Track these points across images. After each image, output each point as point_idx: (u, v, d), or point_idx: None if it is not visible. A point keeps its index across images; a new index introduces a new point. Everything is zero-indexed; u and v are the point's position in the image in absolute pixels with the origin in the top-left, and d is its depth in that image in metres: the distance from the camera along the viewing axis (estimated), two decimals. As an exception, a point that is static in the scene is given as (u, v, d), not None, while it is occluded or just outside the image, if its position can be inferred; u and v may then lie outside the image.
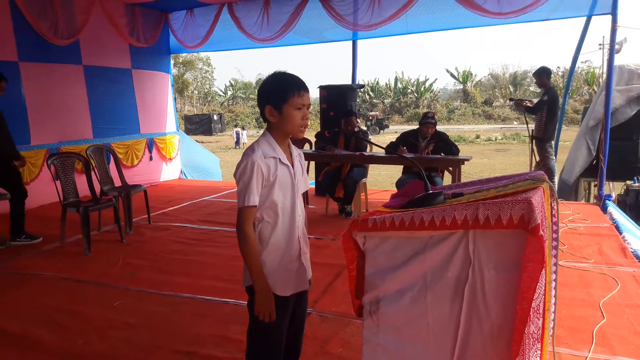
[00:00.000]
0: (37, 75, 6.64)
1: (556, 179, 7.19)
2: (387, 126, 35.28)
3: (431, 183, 1.77)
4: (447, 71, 49.40)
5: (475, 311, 1.45)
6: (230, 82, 52.70)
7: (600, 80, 32.55)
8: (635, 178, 6.78)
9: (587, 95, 38.90)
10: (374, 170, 12.89)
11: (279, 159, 1.80)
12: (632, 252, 4.32)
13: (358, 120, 6.32)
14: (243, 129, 29.08)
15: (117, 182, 5.66)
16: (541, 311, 1.50)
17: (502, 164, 15.82)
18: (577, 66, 10.18)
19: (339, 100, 7.32)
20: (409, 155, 5.37)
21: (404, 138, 5.82)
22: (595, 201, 6.59)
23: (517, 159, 16.41)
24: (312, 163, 6.89)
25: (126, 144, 8.15)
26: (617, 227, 5.09)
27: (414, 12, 6.58)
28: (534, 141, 7.08)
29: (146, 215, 5.77)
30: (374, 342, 1.63)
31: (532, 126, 7.20)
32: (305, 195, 5.95)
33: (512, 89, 46.42)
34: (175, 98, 10.29)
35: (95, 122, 7.60)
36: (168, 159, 9.13)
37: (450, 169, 5.36)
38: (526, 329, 1.35)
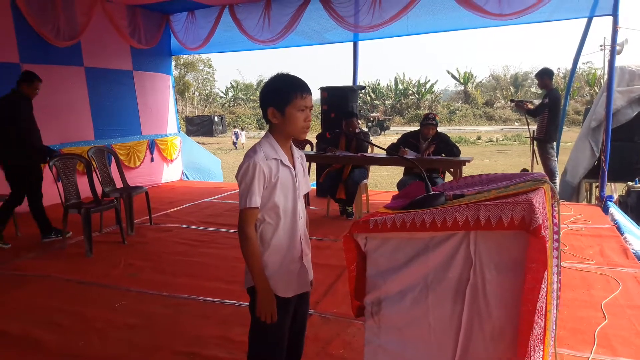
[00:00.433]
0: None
1: (557, 180, 7.19)
2: (388, 127, 35.24)
3: (432, 184, 1.77)
4: (448, 72, 49.49)
5: (477, 312, 1.45)
6: (231, 83, 52.72)
7: (602, 81, 32.50)
8: (637, 179, 6.77)
9: (589, 97, 38.83)
10: (375, 171, 12.89)
11: (281, 160, 1.81)
12: (633, 253, 4.32)
13: (359, 121, 6.33)
14: (242, 129, 29.42)
15: (119, 184, 5.67)
16: (544, 312, 1.50)
17: (503, 165, 15.81)
18: (578, 67, 10.19)
19: (340, 102, 7.33)
20: (410, 156, 5.37)
21: (405, 139, 5.82)
22: (596, 202, 6.58)
23: (519, 160, 16.39)
24: (314, 164, 6.89)
25: (127, 146, 8.16)
26: (619, 228, 5.09)
27: (414, 13, 6.58)
28: (535, 142, 7.08)
29: (147, 217, 5.77)
30: (375, 343, 1.63)
31: (533, 127, 7.20)
32: (307, 196, 5.96)
33: (513, 90, 46.35)
34: (176, 99, 10.31)
35: (97, 123, 7.61)
36: (169, 160, 9.15)
37: (452, 170, 5.36)
38: (531, 330, 1.35)
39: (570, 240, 4.75)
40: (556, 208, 1.87)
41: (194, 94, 47.47)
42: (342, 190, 5.81)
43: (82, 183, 5.10)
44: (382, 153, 5.83)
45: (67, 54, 6.98)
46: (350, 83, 8.18)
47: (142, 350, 2.81)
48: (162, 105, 9.11)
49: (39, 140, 5.07)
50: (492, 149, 22.47)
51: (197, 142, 11.94)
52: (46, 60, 6.68)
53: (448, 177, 5.67)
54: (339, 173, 5.96)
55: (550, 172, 6.86)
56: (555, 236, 1.85)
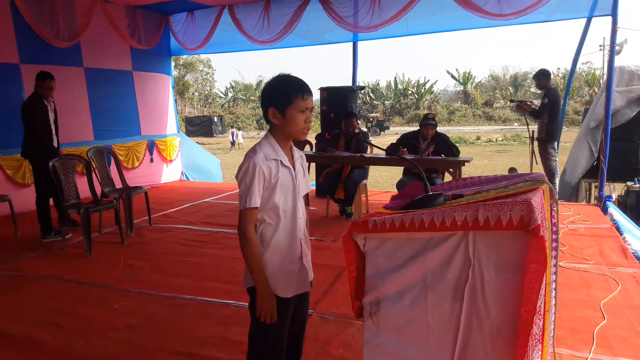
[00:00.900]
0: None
1: (557, 180, 7.19)
2: (387, 128, 35.25)
3: (431, 184, 1.77)
4: (448, 72, 49.43)
5: (475, 312, 1.45)
6: (230, 83, 52.72)
7: (601, 81, 32.55)
8: (636, 179, 6.78)
9: (588, 97, 38.86)
10: (374, 171, 12.89)
11: (281, 161, 1.81)
12: (632, 253, 4.32)
13: (358, 121, 6.33)
14: (239, 129, 29.80)
15: (118, 184, 5.67)
16: (542, 312, 1.51)
17: (502, 165, 15.81)
18: (577, 67, 10.19)
19: (339, 102, 7.33)
20: (409, 156, 5.38)
21: (405, 139, 5.83)
22: (595, 202, 6.59)
23: (518, 160, 16.40)
24: (313, 164, 6.89)
25: (127, 146, 8.17)
26: (618, 228, 5.09)
27: (414, 13, 6.58)
28: (535, 142, 7.08)
29: (147, 217, 5.77)
30: (374, 343, 1.63)
31: (532, 127, 7.20)
32: (306, 196, 5.96)
33: (512, 90, 46.38)
34: (175, 100, 10.31)
35: (96, 124, 7.62)
36: (169, 160, 9.15)
37: (451, 170, 5.36)
38: (530, 330, 1.36)
39: (569, 240, 4.76)
40: (555, 208, 1.87)
41: (193, 94, 47.46)
42: (341, 190, 5.81)
43: (82, 183, 5.11)
44: (381, 153, 5.83)
45: (66, 54, 6.98)
46: (349, 83, 8.18)
47: (142, 351, 2.81)
48: (162, 106, 9.11)
49: (46, 141, 5.17)
50: (492, 149, 22.48)
51: (197, 143, 11.94)
52: (46, 61, 6.67)
53: (447, 178, 5.67)
54: (339, 173, 5.97)
55: (550, 172, 6.86)
56: (554, 236, 1.85)
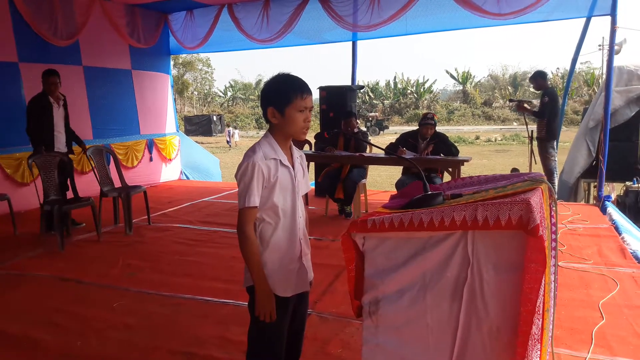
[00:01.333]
0: (37, 76, 6.59)
1: (556, 180, 7.20)
2: (386, 127, 35.22)
3: (431, 184, 1.77)
4: (447, 72, 49.38)
5: (474, 311, 1.45)
6: (230, 82, 52.64)
7: (600, 81, 32.56)
8: (635, 179, 6.79)
9: (587, 96, 38.87)
10: (373, 171, 12.89)
11: (280, 160, 1.81)
12: (631, 253, 4.33)
13: (358, 121, 6.33)
14: (235, 128, 30.40)
15: (118, 184, 5.66)
16: (541, 312, 1.51)
17: (501, 165, 15.82)
18: (576, 67, 10.18)
19: (338, 101, 7.33)
20: (409, 156, 5.38)
21: (404, 139, 5.83)
22: (594, 202, 6.59)
23: (517, 160, 16.40)
24: (312, 164, 6.89)
25: (126, 145, 8.16)
26: (617, 228, 5.10)
27: (413, 13, 6.59)
28: (535, 142, 7.09)
29: (146, 217, 5.76)
30: (373, 343, 1.63)
31: (531, 127, 7.21)
32: (305, 196, 5.95)
33: (511, 90, 46.41)
34: (175, 99, 10.30)
35: (95, 122, 7.60)
36: (168, 159, 9.14)
37: (450, 169, 5.36)
38: (530, 330, 1.36)
39: (568, 240, 4.76)
40: (554, 208, 1.87)
41: (192, 93, 47.41)
42: (340, 189, 5.81)
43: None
44: (380, 153, 5.83)
45: (65, 53, 6.96)
46: (349, 82, 8.18)
47: (141, 350, 2.81)
48: (161, 105, 9.09)
49: (45, 139, 5.18)
50: (491, 149, 22.50)
51: (196, 142, 11.93)
52: (45, 60, 6.64)
53: (446, 177, 5.67)
54: (338, 173, 5.97)
55: (549, 172, 6.87)
56: (553, 236, 1.85)
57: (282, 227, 1.84)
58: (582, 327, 2.98)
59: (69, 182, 5.43)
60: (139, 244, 5.01)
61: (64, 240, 4.70)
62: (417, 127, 5.77)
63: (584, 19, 6.76)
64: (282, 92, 1.78)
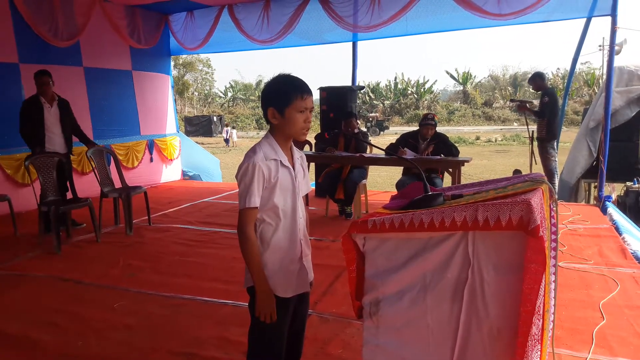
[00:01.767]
0: (37, 77, 6.65)
1: (557, 180, 7.19)
2: (387, 127, 35.25)
3: (431, 184, 1.77)
4: (447, 72, 49.51)
5: (475, 312, 1.45)
6: (230, 83, 52.73)
7: (600, 81, 32.53)
8: (635, 179, 6.78)
9: (587, 97, 38.88)
10: (374, 171, 12.89)
11: (280, 161, 1.81)
12: (631, 253, 4.32)
13: (358, 121, 6.33)
14: (233, 128, 30.59)
15: (118, 184, 5.66)
16: (541, 312, 1.50)
17: (502, 165, 15.81)
18: (577, 67, 10.18)
19: (339, 102, 7.33)
20: (409, 156, 5.37)
21: (404, 139, 5.83)
22: (595, 202, 6.59)
23: (517, 160, 16.40)
24: (312, 164, 6.89)
25: (126, 146, 8.16)
26: (617, 229, 5.09)
27: (413, 13, 6.59)
28: (535, 142, 7.08)
29: (146, 217, 5.76)
30: (373, 344, 1.63)
31: (532, 127, 7.20)
32: (306, 196, 5.95)
33: (511, 90, 46.43)
34: (175, 99, 10.30)
35: (96, 123, 7.60)
36: (168, 160, 9.14)
37: (450, 170, 5.36)
38: (530, 331, 1.35)
39: (568, 241, 4.76)
40: (554, 208, 1.87)
41: (193, 94, 47.45)
42: (341, 190, 5.81)
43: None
44: (381, 153, 5.83)
45: (66, 53, 6.97)
46: (349, 83, 8.18)
47: (140, 351, 2.80)
48: (161, 105, 9.10)
49: (36, 141, 5.18)
50: (491, 149, 22.49)
51: (196, 142, 11.93)
52: (45, 60, 6.65)
53: (447, 178, 5.68)
54: (338, 173, 5.96)
55: (549, 173, 6.86)
56: (553, 236, 1.85)
57: (283, 227, 1.84)
58: (582, 327, 2.97)
59: (67, 183, 5.43)
60: (139, 245, 5.01)
61: (60, 241, 4.67)
62: (418, 128, 5.77)
63: (584, 20, 6.76)
64: (282, 93, 1.78)
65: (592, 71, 39.64)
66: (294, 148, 1.92)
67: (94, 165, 5.41)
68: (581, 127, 7.97)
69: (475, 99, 45.82)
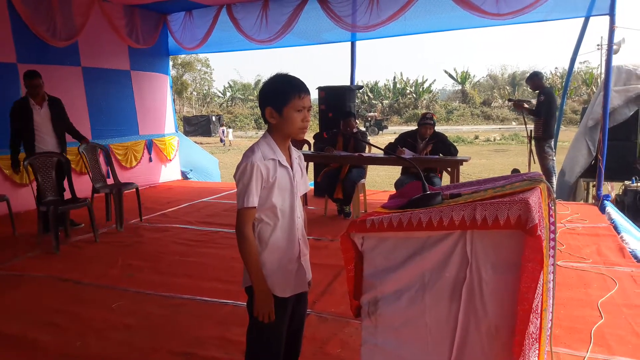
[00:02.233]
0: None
1: (554, 180, 7.20)
2: (385, 127, 35.22)
3: (430, 184, 1.78)
4: (446, 72, 49.38)
5: (473, 311, 1.45)
6: (229, 83, 52.67)
7: (599, 80, 32.56)
8: (634, 178, 6.80)
9: (586, 96, 38.90)
10: (372, 171, 12.90)
11: (279, 160, 1.81)
12: (630, 252, 4.33)
13: (357, 121, 6.33)
14: (229, 127, 31.04)
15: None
16: (539, 311, 1.51)
17: (500, 165, 15.82)
18: (575, 67, 10.19)
19: (337, 101, 7.33)
20: (408, 156, 5.38)
21: (403, 139, 5.83)
22: (593, 201, 6.60)
23: (516, 160, 16.41)
24: (311, 164, 6.89)
25: (125, 145, 8.15)
26: (615, 227, 5.10)
27: (412, 13, 6.59)
28: (532, 141, 7.10)
29: (145, 216, 5.76)
30: (372, 343, 1.63)
31: (530, 126, 7.21)
32: (304, 196, 5.95)
33: (510, 90, 46.46)
34: (174, 99, 10.30)
35: (94, 123, 7.60)
36: (167, 160, 9.14)
37: (449, 169, 5.36)
38: (527, 329, 1.36)
39: (567, 240, 4.77)
40: (552, 207, 1.87)
41: (191, 93, 47.38)
42: (339, 189, 5.81)
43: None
44: (379, 153, 5.83)
45: (64, 53, 6.96)
46: (348, 82, 8.19)
47: (140, 351, 2.80)
48: (160, 105, 9.09)
49: (25, 144, 5.15)
50: (490, 149, 22.50)
51: (195, 142, 11.92)
52: (43, 60, 6.65)
53: (445, 177, 5.68)
54: (337, 173, 5.97)
55: (547, 172, 6.87)
56: (552, 235, 1.86)
57: (281, 227, 1.84)
58: (581, 326, 2.98)
59: (65, 183, 5.42)
60: (139, 245, 5.01)
61: (58, 241, 4.67)
62: (416, 127, 5.78)
63: (583, 19, 6.78)
64: (279, 92, 1.78)
65: (591, 70, 39.64)
66: (292, 147, 1.92)
67: (86, 161, 5.40)
68: (580, 126, 7.98)
69: (474, 99, 45.83)
